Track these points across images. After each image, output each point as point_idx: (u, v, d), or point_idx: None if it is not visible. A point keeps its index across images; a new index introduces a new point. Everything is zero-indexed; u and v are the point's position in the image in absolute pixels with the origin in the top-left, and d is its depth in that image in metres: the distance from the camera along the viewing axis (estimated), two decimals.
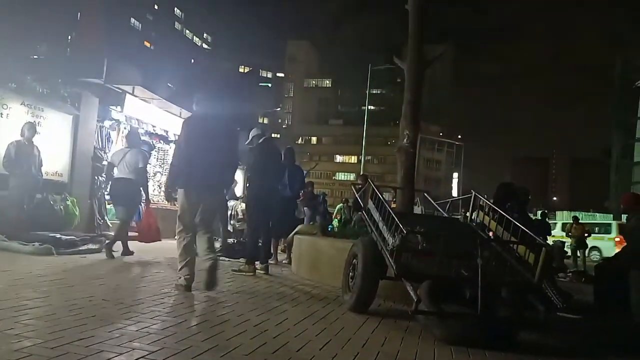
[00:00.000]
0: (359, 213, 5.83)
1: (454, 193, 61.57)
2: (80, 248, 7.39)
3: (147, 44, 68.36)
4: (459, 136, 69.07)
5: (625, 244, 7.98)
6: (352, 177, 66.77)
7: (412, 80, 7.52)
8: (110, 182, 8.18)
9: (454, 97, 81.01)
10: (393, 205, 8.02)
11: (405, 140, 7.38)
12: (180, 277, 4.85)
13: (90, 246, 7.64)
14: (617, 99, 52.49)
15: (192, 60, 70.81)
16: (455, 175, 71.66)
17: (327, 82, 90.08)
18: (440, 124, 71.92)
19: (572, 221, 16.35)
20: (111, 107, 10.40)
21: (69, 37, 12.22)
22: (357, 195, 5.82)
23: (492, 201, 5.67)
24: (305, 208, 9.73)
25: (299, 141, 77.64)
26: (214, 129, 5.05)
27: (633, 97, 48.32)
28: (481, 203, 5.46)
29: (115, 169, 7.53)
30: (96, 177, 9.84)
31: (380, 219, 4.67)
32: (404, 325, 4.19)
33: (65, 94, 9.20)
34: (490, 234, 5.12)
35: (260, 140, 7.22)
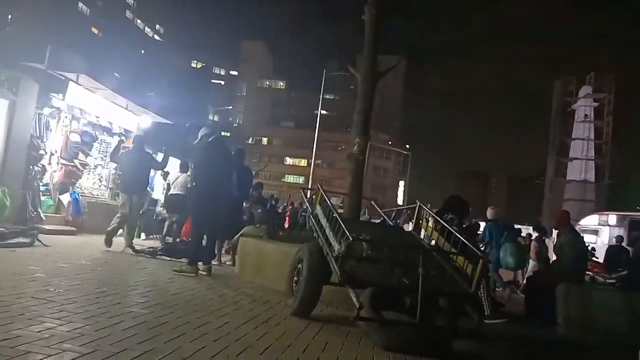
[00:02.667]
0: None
1: (400, 201, 62.99)
2: (10, 241, 6.95)
3: (95, 31, 65.52)
4: (407, 146, 70.81)
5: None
6: (301, 180, 66.86)
7: (365, 89, 7.66)
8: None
9: (404, 108, 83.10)
10: (340, 212, 8.11)
11: (355, 147, 7.49)
12: None
13: (21, 239, 7.21)
14: (554, 121, 55.63)
15: (143, 51, 68.49)
16: (402, 183, 73.35)
17: (281, 84, 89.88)
18: (389, 133, 73.48)
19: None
20: (52, 94, 9.87)
21: (9, 16, 11.53)
22: (307, 201, 5.83)
23: (436, 212, 5.86)
24: (257, 210, 9.63)
25: (250, 141, 76.88)
26: None
27: (568, 119, 51.42)
28: (425, 214, 5.62)
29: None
30: (31, 167, 9.30)
31: (328, 224, 4.70)
32: (345, 331, 4.24)
33: (2, 77, 8.65)
34: (432, 242, 5.28)
35: (210, 139, 7.08)
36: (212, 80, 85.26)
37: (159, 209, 13.19)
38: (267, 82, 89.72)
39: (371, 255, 4.26)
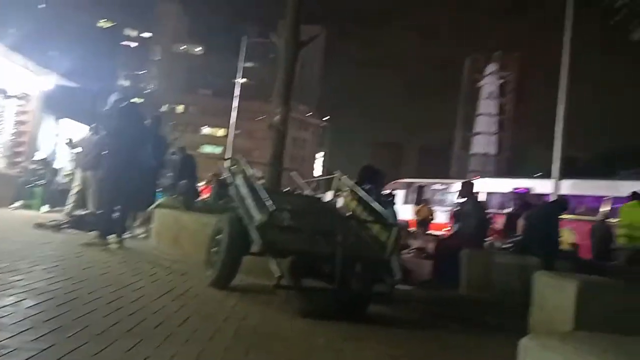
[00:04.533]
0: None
1: (318, 172, 63.91)
2: None
3: None
4: (326, 117, 71.57)
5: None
6: (219, 150, 65.34)
7: (287, 59, 7.57)
8: None
9: (323, 78, 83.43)
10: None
11: (276, 117, 7.44)
12: None
13: None
14: (463, 96, 58.80)
15: (43, 4, 62.02)
16: (319, 154, 74.34)
17: (198, 49, 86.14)
18: (308, 104, 73.63)
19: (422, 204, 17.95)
20: None
21: None
22: (227, 170, 5.75)
23: (355, 182, 6.03)
24: (182, 181, 9.24)
25: (164, 108, 73.39)
26: None
27: (476, 95, 54.67)
28: (342, 183, 5.76)
29: None
30: None
31: (249, 194, 4.68)
32: (265, 299, 4.30)
33: None
34: (350, 212, 5.45)
35: (122, 105, 6.67)
36: (123, 42, 79.68)
37: (61, 178, 12.29)
38: (183, 47, 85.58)
39: (291, 225, 4.31)
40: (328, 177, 6.71)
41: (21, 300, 3.25)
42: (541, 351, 1.59)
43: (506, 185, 18.72)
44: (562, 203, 7.64)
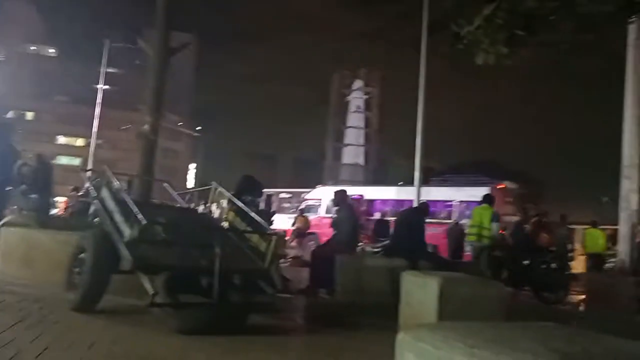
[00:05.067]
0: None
1: (190, 184, 61.76)
2: None
3: None
4: (199, 128, 69.53)
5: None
6: (78, 161, 59.78)
7: (157, 65, 7.25)
8: None
9: (196, 90, 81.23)
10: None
11: (146, 126, 7.05)
12: None
13: None
14: (332, 109, 61.51)
15: None
16: (193, 166, 72.00)
17: (52, 51, 78.24)
18: (180, 114, 71.04)
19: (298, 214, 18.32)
20: None
21: None
22: (91, 183, 5.28)
23: (233, 193, 5.95)
24: (34, 195, 8.18)
25: (10, 114, 65.18)
26: None
27: (344, 109, 57.64)
28: (220, 195, 5.65)
29: None
30: None
31: (116, 208, 4.36)
32: (138, 319, 4.01)
33: None
34: (227, 223, 5.36)
35: None
36: None
37: None
38: (34, 48, 77.10)
39: (165, 239, 4.11)
40: (204, 188, 6.53)
41: None
42: (415, 343, 1.71)
43: (372, 192, 20.11)
44: (424, 208, 8.37)
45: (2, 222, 6.87)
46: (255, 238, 4.70)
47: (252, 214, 4.82)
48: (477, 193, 16.35)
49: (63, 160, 66.32)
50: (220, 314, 3.93)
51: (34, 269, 5.64)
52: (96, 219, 4.91)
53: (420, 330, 1.87)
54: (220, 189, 5.49)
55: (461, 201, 15.79)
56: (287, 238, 13.56)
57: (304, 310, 5.78)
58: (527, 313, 6.44)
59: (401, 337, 1.80)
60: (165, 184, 6.03)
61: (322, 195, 20.22)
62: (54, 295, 4.61)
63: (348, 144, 56.77)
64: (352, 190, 16.56)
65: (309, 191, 21.96)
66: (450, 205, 16.88)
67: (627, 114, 9.97)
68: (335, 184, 24.82)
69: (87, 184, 5.92)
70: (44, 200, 8.45)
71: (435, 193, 15.50)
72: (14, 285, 5.15)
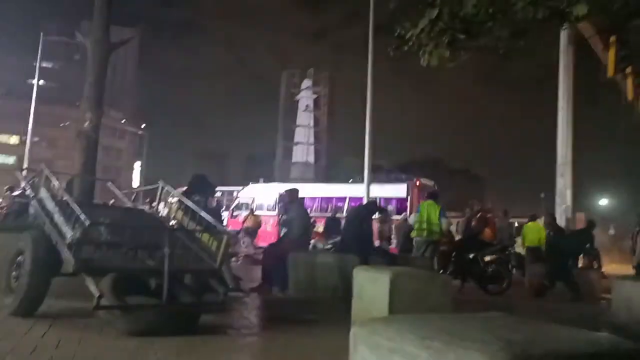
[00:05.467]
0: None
1: (135, 183, 59.73)
2: None
3: None
4: (143, 125, 67.30)
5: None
6: (12, 160, 56.40)
7: (96, 61, 6.95)
8: None
9: (139, 84, 78.52)
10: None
11: (87, 123, 6.75)
12: None
13: None
14: (282, 108, 61.43)
15: None
16: (137, 164, 69.65)
17: None
18: (123, 111, 68.51)
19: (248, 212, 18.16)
20: None
21: None
22: (26, 183, 5.01)
23: (183, 192, 5.82)
24: None
25: None
26: None
27: (294, 108, 57.64)
28: (167, 194, 5.52)
29: None
30: None
31: (56, 209, 4.16)
32: (82, 323, 3.85)
33: None
34: (175, 222, 5.24)
35: None
36: None
37: None
38: None
39: (111, 240, 3.97)
40: (150, 187, 6.34)
41: None
42: (369, 336, 1.75)
43: (322, 190, 20.36)
44: (373, 205, 8.51)
45: None
46: (205, 237, 4.63)
47: (202, 213, 4.74)
48: (396, 190, 17.87)
49: None
50: (170, 314, 3.84)
51: None
52: (35, 221, 4.65)
53: (373, 324, 1.92)
54: (167, 187, 5.36)
55: (383, 197, 16.94)
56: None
57: (256, 309, 5.75)
58: (473, 304, 6.71)
59: (355, 331, 1.83)
60: (109, 183, 5.81)
61: (254, 193, 20.29)
62: None
63: (298, 143, 56.82)
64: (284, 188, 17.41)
65: (241, 189, 22.08)
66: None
67: (560, 115, 10.59)
68: (267, 181, 24.91)
69: (23, 184, 5.59)
70: None
71: (358, 190, 16.12)
72: None
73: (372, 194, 18.16)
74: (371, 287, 3.86)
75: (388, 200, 17.06)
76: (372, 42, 13.33)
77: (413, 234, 8.91)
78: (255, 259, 11.56)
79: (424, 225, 8.46)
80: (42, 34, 29.35)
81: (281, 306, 5.94)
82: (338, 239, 8.90)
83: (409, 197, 17.45)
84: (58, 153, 52.40)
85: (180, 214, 5.19)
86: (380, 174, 20.62)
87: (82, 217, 3.65)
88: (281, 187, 17.33)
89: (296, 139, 56.85)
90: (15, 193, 13.78)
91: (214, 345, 3.73)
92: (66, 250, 3.71)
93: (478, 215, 9.65)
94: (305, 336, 4.16)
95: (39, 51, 28.91)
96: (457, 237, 10.31)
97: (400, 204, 17.59)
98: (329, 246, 8.97)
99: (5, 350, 3.05)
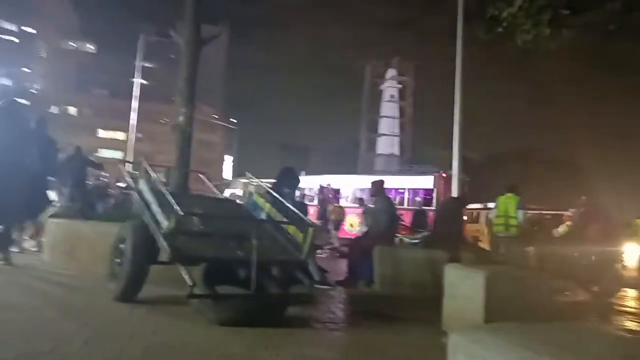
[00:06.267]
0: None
1: (226, 175, 62.62)
2: None
3: None
4: (232, 119, 70.36)
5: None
6: (119, 154, 61.50)
7: (189, 57, 7.26)
8: None
9: (229, 81, 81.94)
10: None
11: (181, 118, 7.09)
12: None
13: None
14: (365, 99, 60.92)
15: None
16: (228, 157, 72.97)
17: (90, 46, 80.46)
18: (214, 105, 71.95)
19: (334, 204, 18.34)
20: None
21: None
22: (127, 175, 5.33)
23: (271, 185, 5.91)
24: (67, 188, 8.38)
25: (53, 110, 67.64)
26: None
27: (377, 99, 56.89)
28: (254, 184, 5.61)
29: None
30: None
31: (154, 199, 4.36)
32: (177, 310, 4.01)
33: None
34: (264, 214, 5.31)
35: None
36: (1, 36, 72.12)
37: None
38: (73, 44, 79.44)
39: (203, 230, 4.08)
40: (239, 180, 6.51)
41: None
42: (470, 345, 1.59)
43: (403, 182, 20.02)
44: (463, 199, 8.11)
45: (47, 214, 7.05)
46: (292, 229, 4.64)
47: (289, 205, 4.75)
48: (423, 181, 18.35)
49: (105, 153, 68.43)
50: (258, 305, 3.88)
51: (78, 260, 5.77)
52: (136, 211, 4.94)
53: (474, 332, 1.75)
54: (256, 180, 5.44)
55: (409, 189, 18.14)
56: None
57: (342, 302, 5.68)
58: (576, 307, 6.16)
59: (454, 339, 1.68)
60: (202, 175, 6.03)
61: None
62: (98, 286, 4.67)
63: (382, 134, 56.08)
64: (324, 180, 18.20)
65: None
66: (403, 192, 18.80)
67: None
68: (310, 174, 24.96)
69: (126, 177, 5.97)
70: (79, 191, 8.62)
71: (390, 181, 16.18)
72: (60, 276, 5.28)
73: (401, 185, 18.31)
74: (464, 286, 3.63)
75: (415, 191, 17.96)
76: (461, 27, 12.67)
77: (494, 229, 8.40)
78: (340, 252, 11.54)
79: (500, 220, 7.96)
80: (141, 36, 31.56)
81: (367, 301, 5.84)
82: (426, 233, 8.60)
83: (435, 189, 17.87)
84: (158, 147, 56.27)
85: (268, 205, 5.25)
86: (406, 166, 22.15)
87: (176, 207, 3.78)
88: (323, 180, 18.12)
89: (380, 130, 56.15)
90: (121, 184, 14.99)
91: (301, 338, 3.71)
92: (162, 239, 3.87)
93: (583, 210, 8.83)
94: (393, 334, 4.02)
95: (139, 52, 31.11)
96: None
97: (427, 195, 18.20)
98: (417, 240, 8.68)
99: (107, 335, 3.24)
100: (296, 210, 4.81)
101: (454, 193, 11.40)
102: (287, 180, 6.56)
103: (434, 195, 17.90)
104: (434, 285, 5.69)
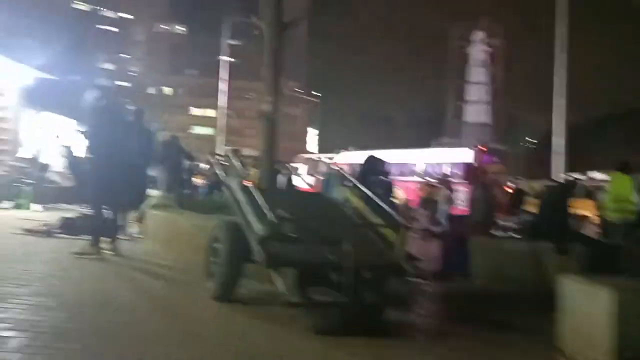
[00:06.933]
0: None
1: (310, 149, 63.42)
2: None
3: None
4: (315, 93, 70.68)
5: None
6: (210, 131, 64.57)
7: (272, 41, 7.13)
8: None
9: (311, 51, 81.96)
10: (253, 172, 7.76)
11: (266, 106, 7.04)
12: None
13: None
14: (450, 65, 57.98)
15: None
16: (311, 130, 73.76)
17: (181, 28, 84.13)
18: (296, 78, 72.59)
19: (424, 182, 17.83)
20: None
21: None
22: (218, 170, 5.40)
23: (359, 173, 5.72)
24: (164, 177, 8.75)
25: (151, 91, 72.17)
26: None
27: (464, 63, 53.88)
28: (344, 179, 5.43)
29: None
30: None
31: (245, 200, 4.34)
32: (270, 314, 3.97)
33: None
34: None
35: (101, 102, 6.24)
36: (101, 26, 77.65)
37: (50, 175, 11.91)
38: (165, 27, 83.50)
39: (295, 234, 3.97)
40: (327, 171, 6.37)
41: (9, 339, 2.94)
42: None
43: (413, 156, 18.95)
44: (572, 185, 7.33)
45: (148, 204, 7.44)
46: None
47: (380, 202, 4.53)
48: (462, 155, 17.02)
49: (197, 130, 72.12)
50: (356, 312, 3.73)
51: (176, 251, 6.01)
52: (228, 207, 4.98)
53: None
54: (342, 172, 5.25)
55: (449, 163, 16.95)
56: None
57: (441, 303, 5.39)
58: None
59: None
60: (286, 167, 5.96)
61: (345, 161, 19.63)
62: (195, 281, 4.77)
63: (470, 101, 53.38)
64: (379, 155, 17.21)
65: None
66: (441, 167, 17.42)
67: None
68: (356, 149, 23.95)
69: (218, 170, 6.06)
70: (176, 180, 8.96)
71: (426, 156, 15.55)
72: (160, 267, 5.51)
73: (438, 160, 17.45)
74: (585, 302, 3.19)
75: (454, 165, 16.67)
76: None
77: (606, 214, 7.49)
78: (434, 234, 11.05)
79: (612, 205, 6.99)
80: (227, 15, 32.29)
81: (467, 300, 5.48)
82: (526, 217, 7.95)
83: (475, 163, 16.35)
84: (246, 123, 58.21)
85: (356, 199, 5.05)
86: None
87: (269, 214, 3.71)
88: (359, 156, 17.36)
89: (469, 97, 53.41)
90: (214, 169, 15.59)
91: (403, 351, 3.52)
92: (255, 243, 3.83)
93: None
94: (504, 348, 3.68)
95: (225, 31, 31.87)
96: None
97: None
98: (515, 225, 8.04)
99: (199, 336, 3.27)
100: (387, 207, 4.58)
101: (557, 174, 10.44)
102: (374, 169, 6.33)
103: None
104: (539, 282, 5.23)
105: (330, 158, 22.87)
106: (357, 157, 21.21)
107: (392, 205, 5.23)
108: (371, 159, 6.35)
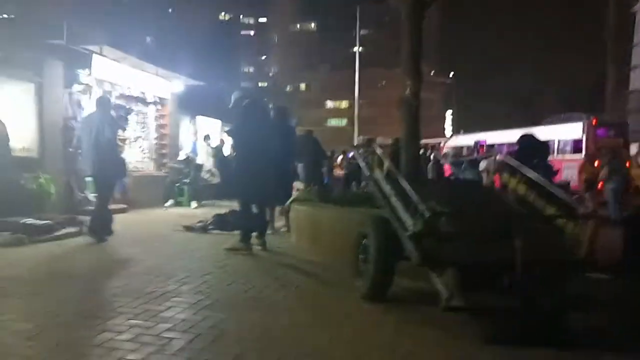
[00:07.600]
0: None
1: (447, 132, 60.86)
2: (57, 233, 6.72)
3: None
4: (451, 74, 67.39)
5: None
6: (344, 122, 65.62)
7: (411, 24, 6.60)
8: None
9: (444, 34, 78.41)
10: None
11: (407, 91, 6.58)
12: None
13: (69, 229, 6.98)
14: (611, 26, 50.78)
15: (170, 10, 67.16)
16: (449, 113, 70.70)
17: (312, 25, 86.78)
18: (431, 61, 70.06)
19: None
20: (78, 70, 9.38)
21: None
22: (361, 161, 5.14)
23: (514, 155, 5.01)
24: (303, 169, 8.87)
25: (288, 89, 75.79)
26: None
27: (628, 24, 46.73)
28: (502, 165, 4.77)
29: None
30: (70, 149, 9.00)
31: (393, 192, 3.98)
32: (428, 317, 3.55)
33: (24, 60, 8.19)
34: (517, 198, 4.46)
35: (245, 103, 6.40)
36: (242, 32, 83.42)
37: (204, 174, 12.92)
38: (298, 26, 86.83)
39: (453, 229, 3.48)
40: (480, 157, 5.71)
41: (170, 340, 3.00)
42: None
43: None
44: None
45: (291, 198, 7.52)
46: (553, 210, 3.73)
47: (553, 188, 3.83)
48: (570, 130, 16.12)
49: (332, 122, 73.98)
50: (530, 320, 3.17)
51: (320, 247, 5.90)
52: (374, 200, 4.68)
53: None
54: (507, 158, 4.59)
55: (557, 139, 16.06)
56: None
57: (632, 302, 4.45)
58: None
59: None
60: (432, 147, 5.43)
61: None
62: (343, 280, 4.55)
63: (636, 66, 46.18)
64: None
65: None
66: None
67: None
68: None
69: (360, 161, 5.79)
70: (315, 172, 8.97)
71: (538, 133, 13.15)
72: (307, 264, 5.42)
73: (545, 136, 15.77)
74: None
75: (563, 141, 16.12)
76: None
77: None
78: (603, 219, 9.59)
79: None
80: (358, 7, 32.16)
81: None
82: None
83: (584, 138, 15.67)
84: (378, 111, 57.94)
85: (521, 187, 4.38)
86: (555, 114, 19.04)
87: (421, 207, 3.31)
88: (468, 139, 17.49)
89: (634, 62, 46.28)
90: (350, 155, 15.60)
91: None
92: (407, 240, 3.46)
93: None
94: None
95: (357, 20, 31.77)
96: None
97: (576, 145, 15.90)
98: None
99: (362, 345, 3.00)
100: (559, 193, 3.86)
101: None
102: (533, 151, 5.50)
103: (583, 144, 15.61)
104: None
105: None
106: (465, 140, 20.63)
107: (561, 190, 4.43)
108: (528, 138, 5.53)
